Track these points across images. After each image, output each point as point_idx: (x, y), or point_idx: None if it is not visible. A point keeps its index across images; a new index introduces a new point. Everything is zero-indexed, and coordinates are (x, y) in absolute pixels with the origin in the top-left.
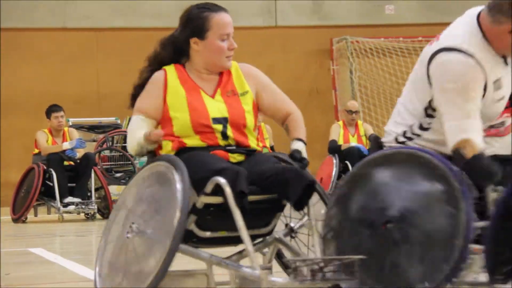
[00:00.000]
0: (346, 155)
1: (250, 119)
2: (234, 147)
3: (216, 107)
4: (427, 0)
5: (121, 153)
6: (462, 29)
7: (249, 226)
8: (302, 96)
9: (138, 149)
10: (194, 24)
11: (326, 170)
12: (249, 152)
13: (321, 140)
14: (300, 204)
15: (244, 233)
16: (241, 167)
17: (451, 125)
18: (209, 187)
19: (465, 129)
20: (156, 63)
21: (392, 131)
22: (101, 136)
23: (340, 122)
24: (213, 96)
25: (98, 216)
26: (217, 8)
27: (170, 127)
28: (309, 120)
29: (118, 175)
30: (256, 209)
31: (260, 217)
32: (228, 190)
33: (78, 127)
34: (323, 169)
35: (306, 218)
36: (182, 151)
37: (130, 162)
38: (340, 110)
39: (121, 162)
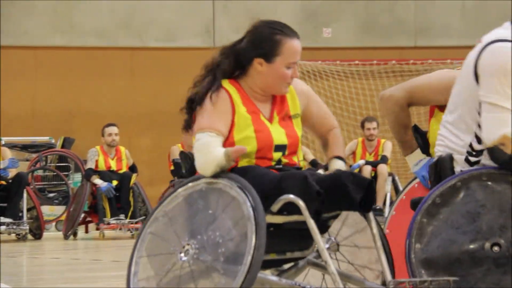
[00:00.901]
0: None
1: (300, 143)
2: (281, 166)
3: (277, 134)
4: (364, 25)
5: (54, 173)
6: (503, 30)
7: (294, 248)
8: None
9: (215, 170)
10: (264, 45)
11: None
12: (295, 169)
13: None
14: (365, 206)
15: (326, 253)
16: (304, 171)
17: (492, 117)
18: (276, 206)
19: (506, 122)
20: (215, 72)
21: (457, 157)
22: (34, 155)
23: None
24: (271, 121)
25: (29, 236)
26: (290, 33)
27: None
28: None
29: (51, 195)
30: (302, 229)
31: (305, 239)
32: (302, 204)
33: (11, 146)
34: None
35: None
36: (232, 171)
37: (64, 182)
38: None
39: (54, 182)
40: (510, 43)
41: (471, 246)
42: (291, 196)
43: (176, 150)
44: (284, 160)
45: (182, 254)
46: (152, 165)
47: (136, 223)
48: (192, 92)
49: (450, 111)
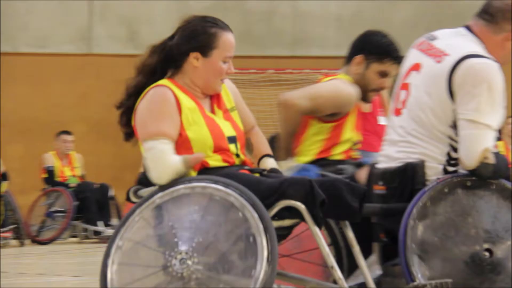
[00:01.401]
0: None
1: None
2: (247, 167)
3: (224, 126)
4: (241, 34)
5: None
6: (467, 42)
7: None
8: (115, 126)
9: (173, 178)
10: (201, 38)
11: None
12: (262, 171)
13: (132, 170)
14: (360, 214)
15: (332, 259)
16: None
17: (471, 134)
18: (272, 211)
19: (486, 140)
20: (144, 71)
21: (431, 165)
22: None
23: None
24: (214, 114)
25: None
26: (225, 26)
27: (189, 148)
28: (121, 150)
29: None
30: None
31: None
32: (304, 210)
33: None
34: None
35: None
36: (203, 171)
37: None
38: None
39: None
40: (485, 59)
41: (464, 251)
42: (293, 201)
43: (48, 158)
44: (240, 154)
45: (176, 262)
46: (23, 172)
47: (5, 232)
48: (125, 99)
49: (417, 122)
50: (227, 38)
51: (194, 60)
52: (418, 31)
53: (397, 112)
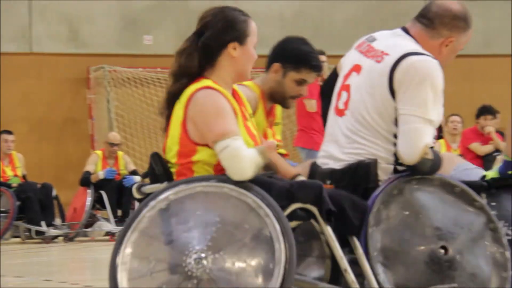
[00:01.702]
0: (102, 185)
1: None
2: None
3: (255, 132)
4: (185, 33)
5: None
6: (406, 41)
7: None
8: (57, 125)
9: (255, 171)
10: (236, 27)
11: (80, 200)
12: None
13: (76, 170)
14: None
15: (345, 261)
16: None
17: (415, 128)
18: (285, 213)
19: (428, 135)
20: (185, 75)
21: (382, 165)
22: None
23: (99, 152)
24: (246, 118)
25: None
26: (247, 14)
27: None
28: (63, 150)
29: None
30: None
31: None
32: (315, 209)
33: None
34: (77, 199)
35: None
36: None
37: None
38: (97, 139)
39: None
40: (425, 56)
41: (422, 252)
42: (308, 205)
43: None
44: None
45: (191, 261)
46: None
47: None
48: (169, 104)
49: (361, 123)
50: (254, 25)
51: (233, 51)
52: (360, 30)
53: (340, 113)
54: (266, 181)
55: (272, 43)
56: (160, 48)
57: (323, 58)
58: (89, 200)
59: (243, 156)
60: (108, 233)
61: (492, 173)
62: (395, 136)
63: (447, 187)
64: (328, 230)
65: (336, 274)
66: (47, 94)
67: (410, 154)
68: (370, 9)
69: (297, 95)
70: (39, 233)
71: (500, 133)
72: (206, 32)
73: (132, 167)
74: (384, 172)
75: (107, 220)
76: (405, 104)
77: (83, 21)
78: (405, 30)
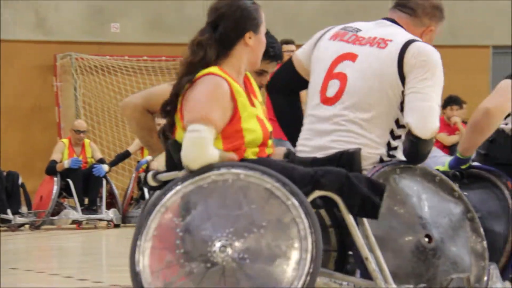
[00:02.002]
0: (69, 173)
1: None
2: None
3: (266, 120)
4: (152, 21)
5: None
6: (402, 30)
7: None
8: (24, 113)
9: (203, 165)
10: (251, 16)
11: (46, 188)
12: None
13: (43, 158)
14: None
15: (366, 250)
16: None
17: (433, 107)
18: (308, 200)
19: (437, 118)
20: (201, 66)
21: (371, 153)
22: None
23: (65, 140)
24: (254, 106)
25: None
26: (255, 1)
27: (240, 138)
28: (30, 137)
29: None
30: None
31: None
32: (338, 198)
33: None
34: (43, 187)
35: None
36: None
37: None
38: (64, 128)
39: None
40: (428, 45)
41: (409, 240)
42: (329, 192)
43: None
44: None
45: (216, 249)
46: None
47: None
48: (171, 94)
49: (363, 109)
50: (262, 12)
51: (249, 40)
52: (328, 19)
53: (329, 102)
54: (288, 167)
55: None
56: (127, 36)
57: (292, 47)
58: (55, 188)
59: (204, 149)
60: (74, 221)
61: (442, 168)
62: (397, 123)
63: (428, 176)
64: (351, 219)
65: (341, 264)
66: (14, 81)
67: (424, 129)
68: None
69: (259, 86)
70: (5, 221)
71: (466, 123)
72: (222, 23)
73: (99, 155)
74: (371, 161)
75: (74, 208)
76: (421, 83)
77: (50, 9)
78: (392, 20)
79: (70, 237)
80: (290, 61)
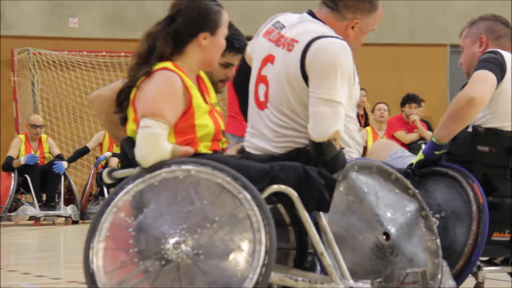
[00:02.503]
0: (26, 169)
1: None
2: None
3: (219, 117)
4: (111, 16)
5: None
6: (314, 25)
7: None
8: None
9: (156, 162)
10: (209, 17)
11: (4, 184)
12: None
13: (1, 154)
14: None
15: (321, 246)
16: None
17: (325, 111)
18: (263, 196)
19: (339, 117)
20: (155, 57)
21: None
22: None
23: (22, 136)
24: (207, 103)
25: None
26: (220, 4)
27: (192, 133)
28: None
29: None
30: None
31: None
32: (294, 193)
33: None
34: (1, 183)
35: None
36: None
37: None
38: (22, 123)
39: None
40: (333, 38)
41: (367, 238)
42: (284, 187)
43: None
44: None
45: (169, 246)
46: None
47: None
48: (124, 85)
49: (290, 113)
50: (226, 15)
51: (203, 40)
52: None
53: (261, 106)
54: (243, 163)
55: None
56: (86, 32)
57: None
58: (13, 184)
59: (157, 145)
60: (32, 218)
61: (417, 158)
62: None
63: (384, 174)
64: (306, 215)
65: (300, 262)
66: None
67: (319, 134)
68: None
69: (225, 79)
70: None
71: (425, 121)
72: (178, 19)
73: (57, 151)
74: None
75: (32, 204)
76: (316, 87)
77: (8, 3)
78: (312, 14)
79: (28, 234)
80: (243, 58)
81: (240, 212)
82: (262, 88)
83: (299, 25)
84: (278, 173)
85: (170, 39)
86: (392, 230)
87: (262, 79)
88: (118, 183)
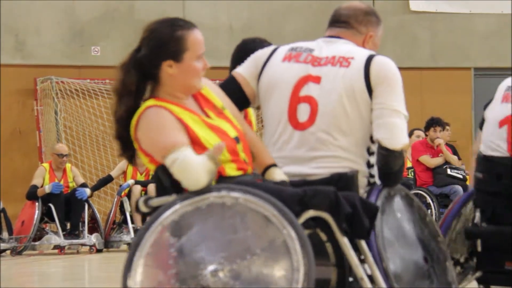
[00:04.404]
0: (50, 198)
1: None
2: (260, 177)
3: (225, 126)
4: (132, 45)
5: None
6: (353, 45)
7: None
8: (3, 137)
9: (209, 178)
10: (168, 45)
11: (28, 213)
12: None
13: (24, 183)
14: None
15: (361, 269)
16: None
17: (398, 122)
18: (299, 221)
19: (406, 130)
20: (128, 91)
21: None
22: None
23: (46, 165)
24: (208, 117)
25: None
26: (189, 25)
27: (203, 148)
28: (11, 162)
29: None
30: None
31: None
32: (330, 218)
33: None
34: (25, 212)
35: None
36: (220, 180)
37: None
38: (45, 152)
39: None
40: (382, 56)
41: (411, 259)
42: (320, 212)
43: None
44: (245, 157)
45: (207, 273)
46: None
47: None
48: (121, 127)
49: (342, 131)
50: (195, 37)
51: (168, 68)
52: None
53: (301, 127)
54: (276, 188)
55: (220, 55)
56: (107, 60)
57: None
58: (37, 213)
59: (193, 166)
60: (56, 247)
61: None
62: (371, 139)
63: (409, 199)
64: (344, 240)
65: (341, 284)
66: None
67: (393, 144)
68: (318, 21)
69: None
70: None
71: (450, 145)
72: (142, 49)
73: (81, 180)
74: (362, 184)
75: (56, 233)
76: (384, 99)
77: (30, 32)
78: (336, 36)
79: (52, 263)
80: (233, 78)
81: (282, 248)
82: (304, 108)
83: (336, 45)
84: (312, 199)
85: (134, 72)
86: (428, 255)
87: (303, 99)
88: (154, 212)
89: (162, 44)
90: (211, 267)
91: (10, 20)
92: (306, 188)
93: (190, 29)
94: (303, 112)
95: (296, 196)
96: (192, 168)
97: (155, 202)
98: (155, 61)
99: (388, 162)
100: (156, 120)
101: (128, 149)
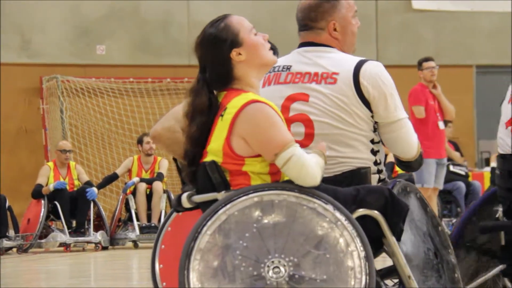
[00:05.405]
0: (56, 196)
1: None
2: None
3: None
4: (138, 43)
5: None
6: (334, 52)
7: None
8: (10, 136)
9: (321, 174)
10: (223, 39)
11: (34, 211)
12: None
13: (30, 181)
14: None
15: (408, 269)
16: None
17: (403, 131)
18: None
19: (412, 130)
20: (198, 113)
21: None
22: None
23: (51, 164)
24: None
25: None
26: (223, 17)
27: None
28: (16, 160)
29: None
30: None
31: None
32: (380, 217)
33: None
34: (31, 210)
35: None
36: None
37: None
38: (51, 150)
39: None
40: (371, 60)
41: (424, 253)
42: (370, 211)
43: None
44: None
45: (269, 270)
46: None
47: None
48: (188, 146)
49: (343, 144)
50: (237, 20)
51: (238, 56)
52: None
53: (302, 146)
54: (329, 188)
55: None
56: (113, 58)
57: (432, 64)
58: (43, 211)
59: (309, 163)
60: (62, 244)
61: None
62: (372, 142)
63: (423, 203)
64: (393, 239)
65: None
66: (1, 104)
67: (410, 153)
68: None
69: None
70: None
71: (452, 142)
72: (207, 67)
73: (85, 177)
74: (374, 181)
75: (62, 231)
76: (386, 112)
77: (36, 31)
78: (312, 44)
79: (58, 260)
80: None
81: (336, 240)
82: (298, 128)
83: (313, 58)
84: (365, 197)
85: (205, 91)
86: (441, 251)
87: (295, 119)
88: (196, 208)
89: (217, 41)
90: (272, 264)
91: (16, 19)
92: (358, 187)
93: (226, 17)
94: (298, 131)
95: (349, 195)
96: (309, 165)
97: (198, 198)
98: (225, 58)
99: (412, 166)
100: (266, 116)
101: (192, 164)
